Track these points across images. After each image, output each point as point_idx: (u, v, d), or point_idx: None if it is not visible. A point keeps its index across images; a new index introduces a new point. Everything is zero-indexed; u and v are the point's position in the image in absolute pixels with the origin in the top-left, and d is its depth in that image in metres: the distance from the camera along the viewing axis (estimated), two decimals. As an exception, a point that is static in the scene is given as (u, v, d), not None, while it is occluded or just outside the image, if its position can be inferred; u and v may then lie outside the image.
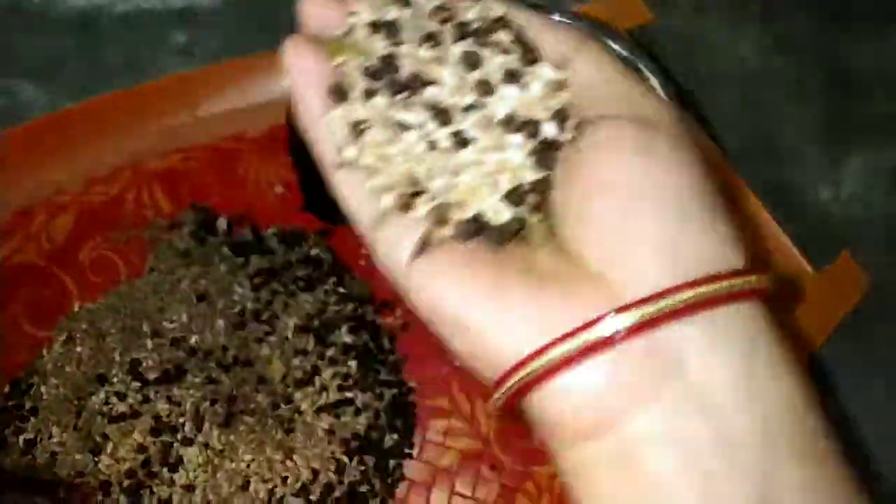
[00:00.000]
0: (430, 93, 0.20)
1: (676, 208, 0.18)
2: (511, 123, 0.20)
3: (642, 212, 0.18)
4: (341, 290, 0.45)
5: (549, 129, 0.20)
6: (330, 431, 0.41)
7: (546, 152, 0.20)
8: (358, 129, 0.20)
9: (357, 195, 0.21)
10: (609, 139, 0.19)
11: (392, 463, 0.43)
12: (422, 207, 0.20)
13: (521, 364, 0.18)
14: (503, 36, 0.21)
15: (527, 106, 0.20)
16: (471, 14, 0.21)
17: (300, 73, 0.21)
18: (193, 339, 0.43)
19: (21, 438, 0.41)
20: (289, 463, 0.41)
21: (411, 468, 0.43)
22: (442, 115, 0.20)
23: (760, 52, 0.58)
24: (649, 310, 0.17)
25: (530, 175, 0.20)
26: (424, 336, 0.46)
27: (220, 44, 0.54)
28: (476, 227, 0.20)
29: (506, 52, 0.20)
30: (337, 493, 0.41)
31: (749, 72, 0.58)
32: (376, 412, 0.43)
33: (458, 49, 0.20)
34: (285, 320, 0.44)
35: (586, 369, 0.18)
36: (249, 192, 0.48)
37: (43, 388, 0.42)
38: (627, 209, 0.19)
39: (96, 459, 0.40)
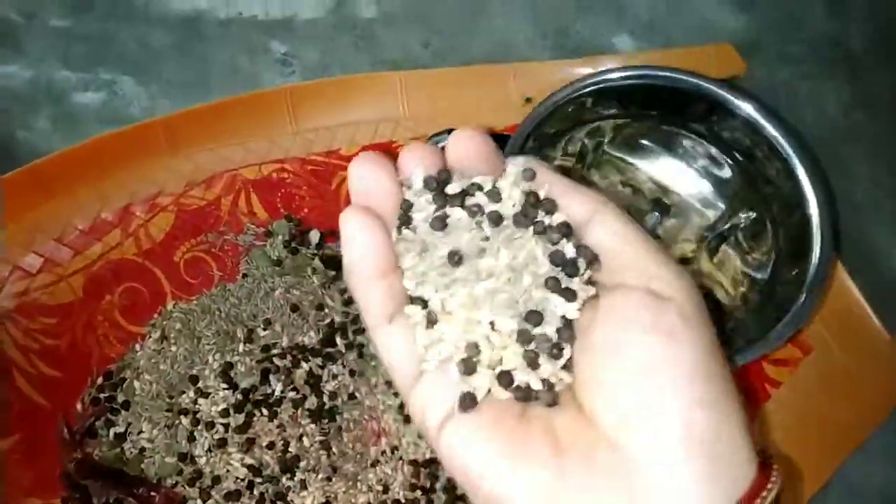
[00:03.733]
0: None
1: (687, 385, 0.19)
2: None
3: (654, 386, 0.19)
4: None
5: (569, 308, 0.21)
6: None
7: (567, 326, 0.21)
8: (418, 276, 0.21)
9: (398, 354, 0.22)
10: (623, 312, 0.20)
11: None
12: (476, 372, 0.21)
13: None
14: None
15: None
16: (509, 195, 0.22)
17: (355, 242, 0.22)
18: (285, 347, 0.44)
19: (111, 431, 0.43)
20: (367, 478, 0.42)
21: None
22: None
23: (842, 106, 0.59)
24: None
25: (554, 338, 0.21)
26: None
27: (317, 56, 0.55)
28: (510, 383, 0.21)
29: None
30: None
31: (829, 124, 0.59)
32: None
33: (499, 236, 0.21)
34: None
35: None
36: (340, 207, 0.50)
37: (136, 384, 0.43)
38: (640, 382, 0.19)
39: (182, 466, 0.41)
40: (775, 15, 0.59)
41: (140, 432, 0.42)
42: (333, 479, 0.42)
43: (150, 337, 0.45)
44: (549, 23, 0.58)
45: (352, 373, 0.44)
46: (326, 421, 0.43)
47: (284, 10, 0.56)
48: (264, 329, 0.44)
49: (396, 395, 0.44)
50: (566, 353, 0.21)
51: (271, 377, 0.43)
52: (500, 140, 0.35)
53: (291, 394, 0.43)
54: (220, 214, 0.49)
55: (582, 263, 0.21)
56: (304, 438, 0.42)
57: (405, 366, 0.21)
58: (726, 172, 0.41)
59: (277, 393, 0.43)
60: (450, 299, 0.21)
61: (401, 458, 0.42)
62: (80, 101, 0.53)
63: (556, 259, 0.21)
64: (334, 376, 0.44)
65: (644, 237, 0.22)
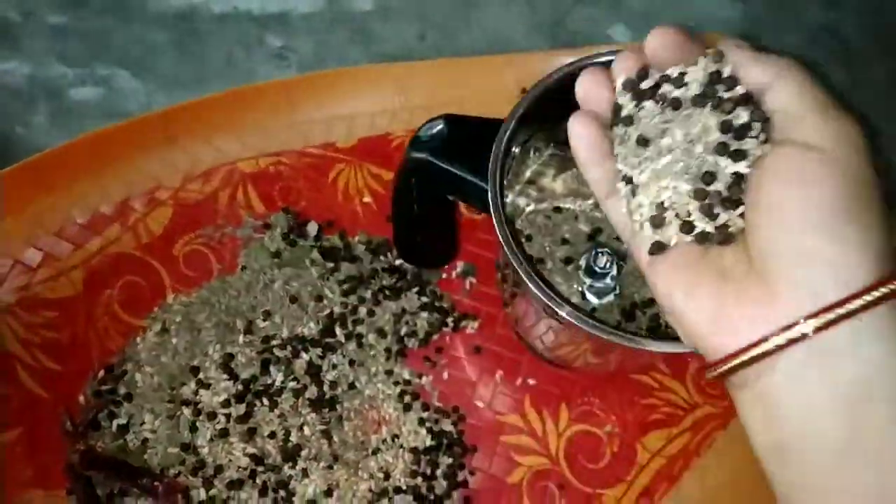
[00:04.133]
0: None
1: (828, 226, 0.23)
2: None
3: (800, 230, 0.23)
4: (424, 299, 0.47)
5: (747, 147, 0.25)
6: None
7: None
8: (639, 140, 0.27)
9: (619, 217, 0.29)
10: (778, 166, 0.24)
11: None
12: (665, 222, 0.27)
13: (734, 356, 0.24)
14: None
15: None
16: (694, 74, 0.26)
17: (581, 138, 0.28)
18: (285, 337, 0.44)
19: (114, 423, 0.43)
20: (369, 468, 0.42)
21: (479, 481, 0.44)
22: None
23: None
24: (829, 316, 0.23)
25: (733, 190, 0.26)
26: (495, 354, 0.47)
27: (312, 49, 0.55)
28: (691, 230, 0.26)
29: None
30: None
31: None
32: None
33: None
34: (368, 326, 0.46)
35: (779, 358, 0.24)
36: (338, 199, 0.50)
37: (137, 376, 0.44)
38: (789, 228, 0.24)
39: (184, 456, 0.42)
40: (771, 5, 0.59)
41: (142, 424, 0.43)
42: (335, 467, 0.42)
43: (150, 330, 0.45)
44: (544, 14, 0.58)
45: (351, 363, 0.44)
46: (327, 410, 0.43)
47: (280, 5, 0.56)
48: (264, 320, 0.45)
49: (396, 384, 0.45)
50: (736, 202, 0.25)
51: (272, 367, 0.43)
52: (495, 127, 0.35)
53: (292, 384, 0.43)
54: (218, 208, 0.49)
55: (756, 126, 0.25)
56: (305, 428, 0.42)
57: (625, 225, 0.28)
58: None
59: (278, 383, 0.43)
60: (640, 175, 0.27)
61: (401, 447, 0.43)
62: (78, 97, 0.53)
63: (725, 127, 0.25)
64: (334, 366, 0.44)
65: (821, 98, 0.25)
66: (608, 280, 0.39)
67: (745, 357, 0.24)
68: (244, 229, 0.48)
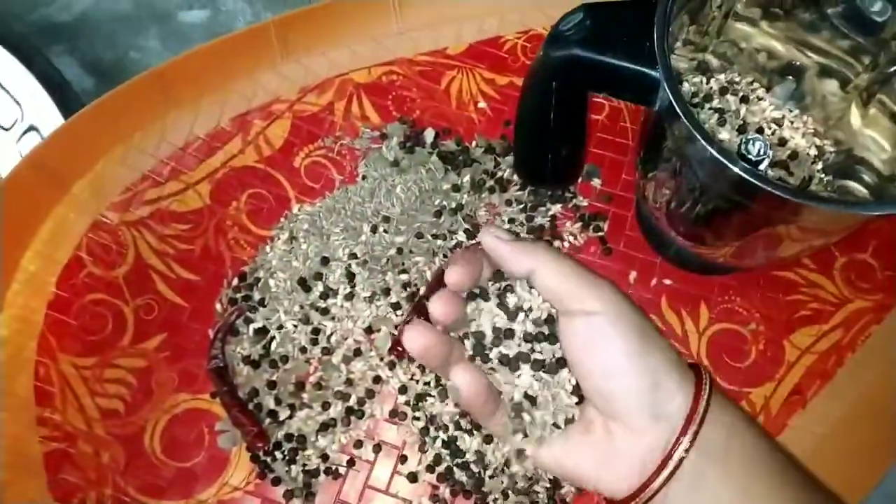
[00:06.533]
0: None
1: (626, 360, 0.31)
2: None
3: (606, 368, 0.31)
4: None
5: None
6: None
7: None
8: None
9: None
10: (573, 329, 0.32)
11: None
12: None
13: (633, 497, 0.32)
14: None
15: None
16: None
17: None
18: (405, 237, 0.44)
19: (251, 327, 0.43)
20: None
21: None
22: None
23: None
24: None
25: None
26: (627, 256, 0.46)
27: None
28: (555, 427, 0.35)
29: None
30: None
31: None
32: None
33: None
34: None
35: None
36: (452, 106, 0.49)
37: (271, 281, 0.44)
38: (600, 372, 0.32)
39: (313, 341, 0.42)
40: None
41: (280, 327, 0.43)
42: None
43: (278, 239, 0.45)
44: None
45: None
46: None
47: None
48: (386, 222, 0.44)
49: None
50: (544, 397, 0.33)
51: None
52: (647, 6, 0.33)
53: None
54: (335, 120, 0.48)
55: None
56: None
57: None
58: (881, 12, 0.38)
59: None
60: None
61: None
62: (186, 20, 0.54)
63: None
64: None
65: (576, 271, 0.32)
66: (760, 169, 0.37)
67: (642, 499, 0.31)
68: (362, 140, 0.48)
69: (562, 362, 0.33)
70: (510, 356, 0.33)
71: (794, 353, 0.43)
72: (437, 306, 0.32)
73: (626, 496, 0.31)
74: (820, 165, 0.40)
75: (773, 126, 0.40)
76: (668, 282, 0.44)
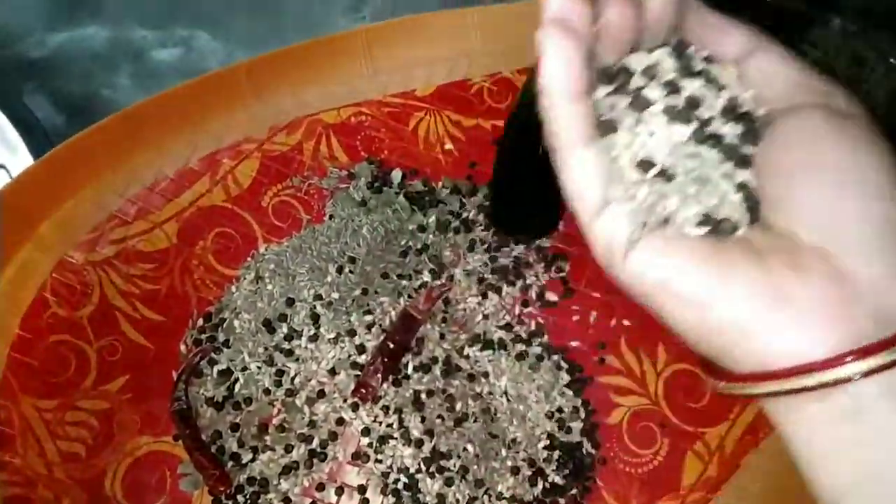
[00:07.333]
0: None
1: (880, 187, 0.20)
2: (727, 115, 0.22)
3: (849, 190, 0.20)
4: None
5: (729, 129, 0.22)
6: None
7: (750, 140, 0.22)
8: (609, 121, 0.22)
9: (583, 182, 0.22)
10: (804, 127, 0.21)
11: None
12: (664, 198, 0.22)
13: (815, 368, 0.19)
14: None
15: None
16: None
17: (556, 60, 0.21)
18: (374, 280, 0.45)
19: (215, 369, 0.43)
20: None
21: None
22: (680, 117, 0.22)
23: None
24: None
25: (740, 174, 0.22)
26: (587, 295, 0.47)
27: (387, 3, 0.55)
28: (706, 220, 0.21)
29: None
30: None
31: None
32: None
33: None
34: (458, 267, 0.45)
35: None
36: (419, 147, 0.50)
37: (235, 322, 0.44)
38: (835, 192, 0.20)
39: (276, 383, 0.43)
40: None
41: (244, 369, 0.43)
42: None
43: (244, 279, 0.45)
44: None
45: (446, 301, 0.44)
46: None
47: (352, -43, 0.56)
48: (352, 263, 0.45)
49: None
50: (748, 180, 0.22)
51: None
52: None
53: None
54: (304, 159, 0.49)
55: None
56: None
57: (590, 194, 0.21)
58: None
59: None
60: (642, 136, 0.22)
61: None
62: (159, 58, 0.54)
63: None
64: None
65: (806, 64, 0.22)
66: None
67: (835, 374, 0.19)
68: (329, 180, 0.48)
69: (747, 160, 0.22)
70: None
71: (749, 394, 0.44)
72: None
73: (803, 363, 0.19)
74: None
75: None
76: (627, 322, 0.45)
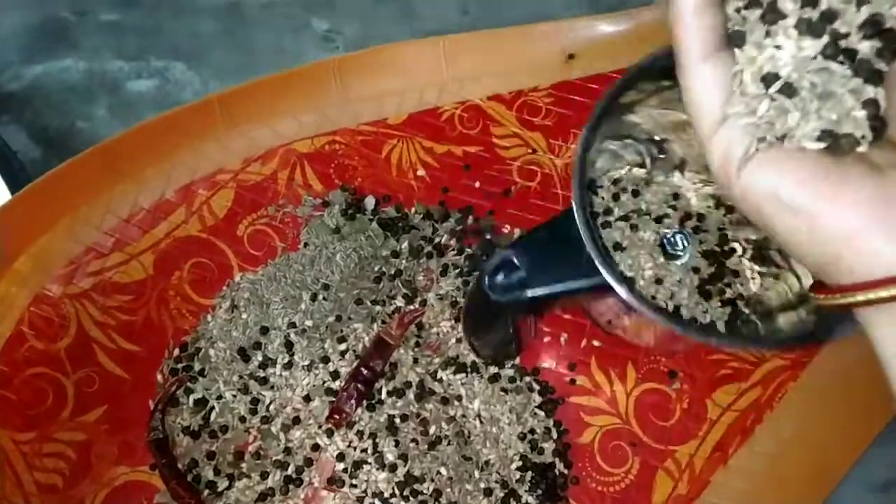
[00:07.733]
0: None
1: None
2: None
3: None
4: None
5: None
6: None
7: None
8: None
9: (706, 95, 0.22)
10: None
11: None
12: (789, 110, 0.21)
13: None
14: None
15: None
16: None
17: None
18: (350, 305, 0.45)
19: (191, 398, 0.44)
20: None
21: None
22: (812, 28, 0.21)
23: None
24: None
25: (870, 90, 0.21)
26: (558, 318, 0.47)
27: (358, 30, 0.56)
28: (827, 135, 0.21)
29: None
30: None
31: None
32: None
33: None
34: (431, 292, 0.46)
35: None
36: (392, 174, 0.51)
37: (211, 351, 0.45)
38: None
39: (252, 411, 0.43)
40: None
41: (219, 397, 0.44)
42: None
43: (220, 308, 0.46)
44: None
45: (419, 326, 0.45)
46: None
47: (324, -12, 0.57)
48: (326, 290, 0.45)
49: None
50: (876, 97, 0.21)
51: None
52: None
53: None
54: (278, 188, 0.50)
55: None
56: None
57: (709, 108, 0.22)
58: None
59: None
60: (768, 50, 0.21)
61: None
62: (135, 89, 0.55)
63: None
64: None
65: None
66: (685, 260, 0.39)
67: None
68: (304, 208, 0.49)
69: (879, 76, 0.21)
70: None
71: (716, 411, 0.45)
72: None
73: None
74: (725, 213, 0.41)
75: (673, 200, 0.42)
76: (597, 343, 0.46)
